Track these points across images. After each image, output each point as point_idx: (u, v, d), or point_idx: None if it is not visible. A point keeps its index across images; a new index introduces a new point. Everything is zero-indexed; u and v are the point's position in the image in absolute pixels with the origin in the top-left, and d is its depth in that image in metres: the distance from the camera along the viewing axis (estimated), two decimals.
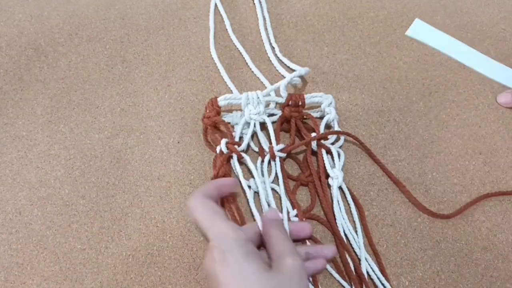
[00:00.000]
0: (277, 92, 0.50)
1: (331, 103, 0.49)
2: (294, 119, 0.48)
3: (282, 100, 0.48)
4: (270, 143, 0.47)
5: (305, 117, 0.48)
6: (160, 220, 0.44)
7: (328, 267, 0.42)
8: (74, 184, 0.46)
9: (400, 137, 0.50)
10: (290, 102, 0.47)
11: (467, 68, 0.55)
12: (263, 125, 0.48)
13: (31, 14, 0.57)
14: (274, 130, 0.47)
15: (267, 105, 0.48)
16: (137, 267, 0.42)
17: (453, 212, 0.45)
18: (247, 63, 0.54)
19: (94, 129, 0.49)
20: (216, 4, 0.59)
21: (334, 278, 0.42)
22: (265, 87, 0.52)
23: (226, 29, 0.57)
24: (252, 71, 0.54)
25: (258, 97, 0.47)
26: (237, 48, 0.55)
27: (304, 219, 0.43)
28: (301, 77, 0.51)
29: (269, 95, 0.49)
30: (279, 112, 0.49)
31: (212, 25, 0.57)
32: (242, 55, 0.55)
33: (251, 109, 0.46)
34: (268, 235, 0.36)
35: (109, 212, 0.44)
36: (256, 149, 0.47)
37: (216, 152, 0.46)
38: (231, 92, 0.52)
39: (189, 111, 0.51)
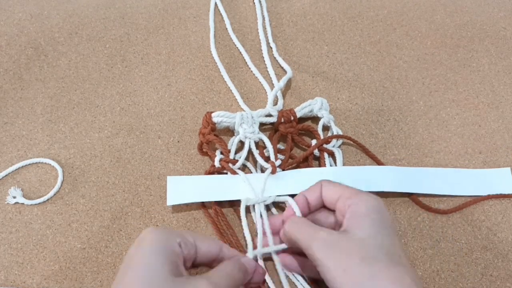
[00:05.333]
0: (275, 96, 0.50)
1: (322, 106, 0.48)
2: (290, 135, 0.47)
3: (274, 119, 0.48)
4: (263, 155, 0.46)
5: (301, 131, 0.48)
6: (160, 219, 0.44)
7: None
8: (74, 183, 0.46)
9: (400, 136, 0.50)
10: (282, 120, 0.47)
11: (466, 68, 0.55)
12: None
13: (31, 13, 0.57)
14: (272, 145, 0.46)
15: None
16: None
17: (452, 208, 0.45)
18: (246, 63, 0.54)
19: (94, 128, 0.49)
20: (216, 3, 0.59)
21: None
22: (264, 88, 0.52)
23: (226, 28, 0.57)
24: (252, 71, 0.54)
25: (253, 117, 0.47)
26: (237, 47, 0.55)
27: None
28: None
29: (263, 115, 0.48)
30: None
31: (212, 24, 0.57)
32: (242, 54, 0.55)
33: (245, 128, 0.46)
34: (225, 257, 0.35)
35: (109, 211, 0.44)
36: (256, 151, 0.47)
37: (213, 159, 0.46)
38: (230, 91, 0.52)
39: (189, 110, 0.51)
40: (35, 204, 0.45)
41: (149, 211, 0.44)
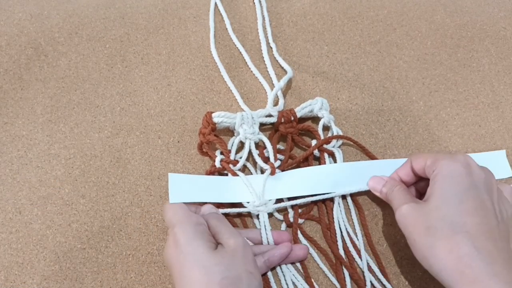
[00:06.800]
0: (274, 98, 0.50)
1: (322, 106, 0.48)
2: (290, 135, 0.47)
3: (274, 119, 0.48)
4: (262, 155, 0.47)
5: (301, 131, 0.48)
6: (160, 219, 0.44)
7: (325, 269, 0.42)
8: (74, 184, 0.46)
9: (400, 136, 0.50)
10: (282, 120, 0.47)
11: (466, 68, 0.55)
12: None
13: (31, 13, 0.57)
14: (272, 146, 0.46)
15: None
16: (137, 266, 0.42)
17: None
18: (246, 63, 0.54)
19: (94, 128, 0.49)
20: (216, 3, 0.59)
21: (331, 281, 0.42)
22: (264, 88, 0.52)
23: (226, 28, 0.57)
24: (252, 71, 0.54)
25: (253, 117, 0.47)
26: (237, 47, 0.55)
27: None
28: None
29: (264, 116, 0.48)
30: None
31: (212, 24, 0.57)
32: (242, 54, 0.55)
33: (246, 129, 0.46)
34: (209, 226, 0.39)
35: (109, 212, 0.44)
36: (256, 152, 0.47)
37: (213, 159, 0.46)
38: (230, 91, 0.52)
39: (189, 110, 0.51)
40: (35, 204, 0.45)
41: (149, 211, 0.45)
